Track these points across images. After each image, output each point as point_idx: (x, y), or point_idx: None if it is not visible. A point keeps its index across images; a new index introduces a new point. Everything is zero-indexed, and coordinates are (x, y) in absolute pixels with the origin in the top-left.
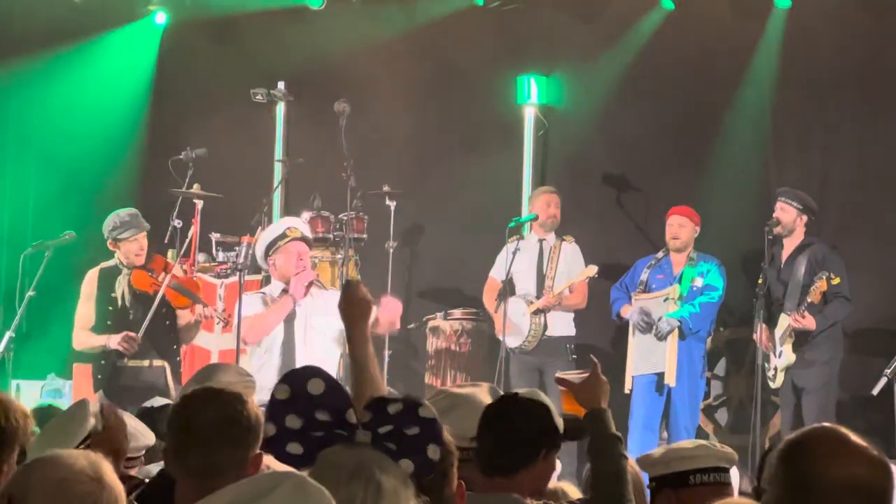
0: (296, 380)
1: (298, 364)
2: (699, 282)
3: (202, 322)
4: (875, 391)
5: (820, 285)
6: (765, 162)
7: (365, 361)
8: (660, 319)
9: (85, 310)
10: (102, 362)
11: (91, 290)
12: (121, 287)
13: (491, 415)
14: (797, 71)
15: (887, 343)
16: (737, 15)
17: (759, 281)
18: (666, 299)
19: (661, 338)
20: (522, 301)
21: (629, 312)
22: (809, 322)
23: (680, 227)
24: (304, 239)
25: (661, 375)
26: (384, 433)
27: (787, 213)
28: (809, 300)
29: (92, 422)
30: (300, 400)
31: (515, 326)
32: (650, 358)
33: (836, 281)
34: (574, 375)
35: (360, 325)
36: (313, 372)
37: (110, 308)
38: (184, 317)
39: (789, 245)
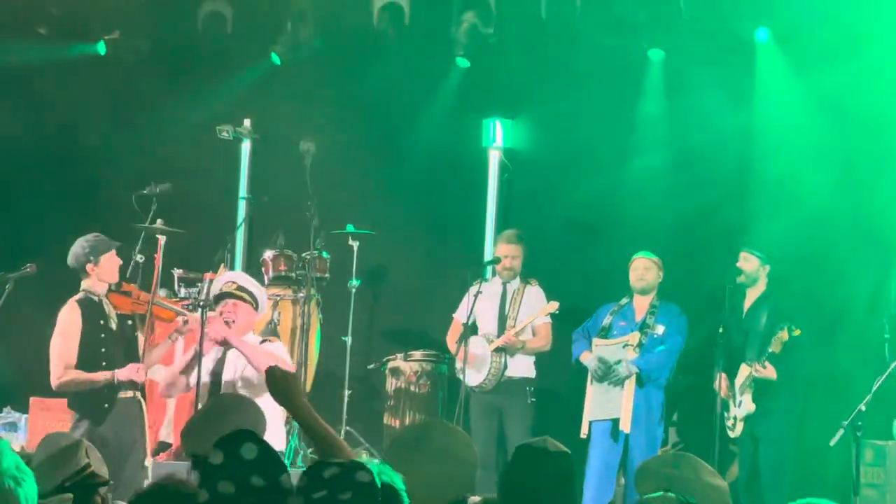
0: (229, 445)
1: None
2: (660, 329)
3: (174, 341)
4: (833, 442)
5: (781, 335)
6: (730, 209)
7: (323, 433)
8: (618, 363)
9: (68, 347)
10: (105, 391)
11: (75, 326)
12: (110, 312)
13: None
14: (769, 124)
15: (844, 394)
16: (708, 59)
17: (720, 330)
18: (626, 345)
19: (619, 382)
20: (484, 339)
21: (588, 359)
22: (770, 372)
23: (646, 270)
24: (233, 295)
25: (616, 422)
26: (317, 498)
27: (750, 263)
28: (771, 350)
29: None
30: (234, 465)
31: (476, 364)
32: (607, 404)
33: (797, 332)
34: None
35: (294, 400)
36: (246, 437)
37: (103, 336)
38: (157, 342)
39: (752, 294)
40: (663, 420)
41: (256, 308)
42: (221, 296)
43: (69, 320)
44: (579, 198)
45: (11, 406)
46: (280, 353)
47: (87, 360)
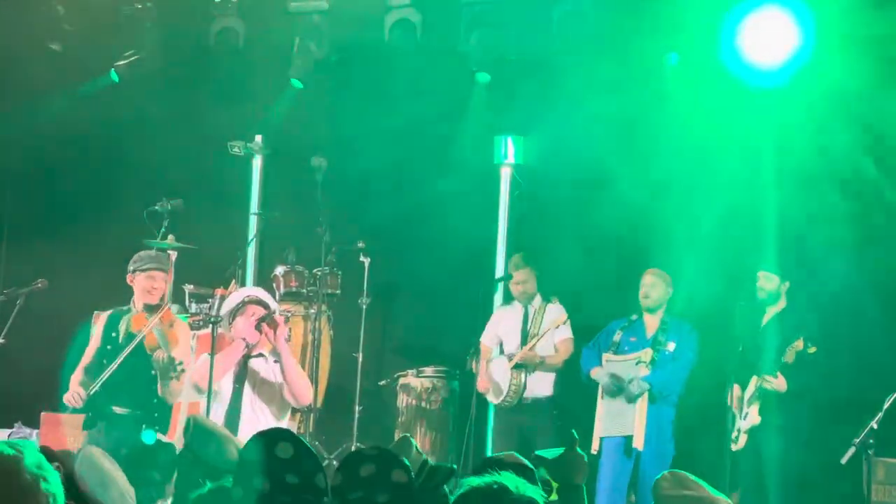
0: (264, 442)
1: (242, 426)
2: (672, 346)
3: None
4: (844, 460)
5: (796, 344)
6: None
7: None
8: (631, 381)
9: (89, 349)
10: (95, 402)
11: (97, 331)
12: (123, 327)
13: None
14: (777, 141)
15: (857, 411)
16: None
17: (740, 349)
18: (638, 362)
19: (632, 399)
20: (505, 358)
21: (598, 375)
22: (781, 384)
23: (652, 287)
24: (259, 302)
25: (629, 438)
26: (353, 499)
27: (771, 282)
28: (784, 359)
29: None
30: (269, 462)
31: (496, 383)
32: (619, 420)
33: (812, 350)
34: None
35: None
36: (282, 435)
37: (109, 347)
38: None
39: (771, 311)
40: (674, 437)
41: None
42: (248, 301)
43: (95, 325)
44: (591, 214)
45: (22, 421)
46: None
47: (92, 368)
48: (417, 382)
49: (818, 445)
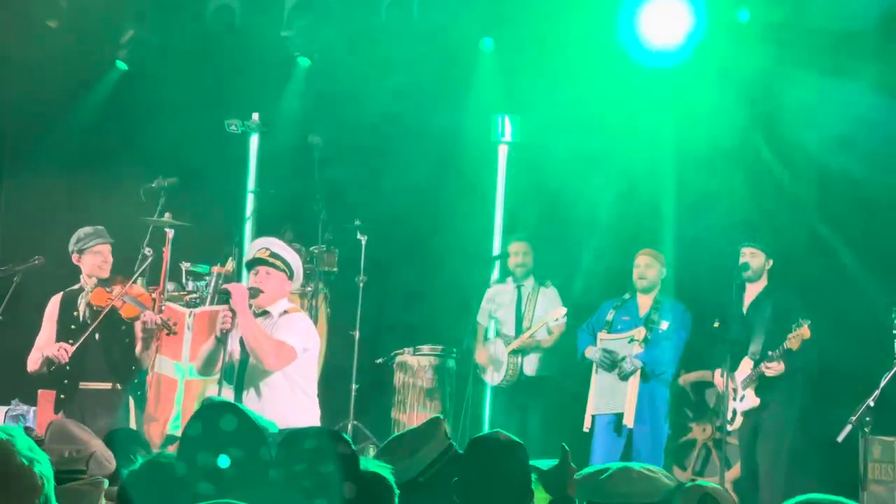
0: (208, 416)
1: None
2: (665, 325)
3: (155, 339)
4: (840, 438)
5: (802, 332)
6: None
7: None
8: (624, 359)
9: (44, 333)
10: (65, 381)
11: (53, 313)
12: (82, 305)
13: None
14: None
15: (852, 389)
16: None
17: (716, 324)
18: (631, 340)
19: (624, 377)
20: (502, 341)
21: (592, 352)
22: (781, 368)
23: (647, 268)
24: (262, 262)
25: (620, 416)
26: (298, 471)
27: (757, 259)
28: (787, 346)
29: None
30: (213, 437)
31: (496, 361)
32: (611, 398)
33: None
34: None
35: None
36: (226, 408)
37: (73, 327)
38: (139, 338)
39: (753, 289)
40: (669, 416)
41: (291, 276)
42: (253, 262)
43: (47, 309)
44: (588, 193)
45: (20, 398)
46: (292, 337)
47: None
48: (414, 360)
49: (814, 423)
